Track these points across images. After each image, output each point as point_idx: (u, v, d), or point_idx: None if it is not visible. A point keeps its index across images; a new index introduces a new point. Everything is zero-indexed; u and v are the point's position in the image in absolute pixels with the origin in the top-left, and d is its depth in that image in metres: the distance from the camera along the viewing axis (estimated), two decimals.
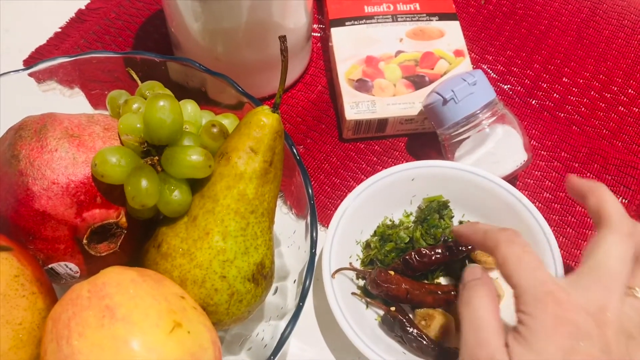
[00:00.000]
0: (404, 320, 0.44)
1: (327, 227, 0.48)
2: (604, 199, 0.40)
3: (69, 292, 0.35)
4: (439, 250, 0.47)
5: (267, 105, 0.40)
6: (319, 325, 0.48)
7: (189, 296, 0.37)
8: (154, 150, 0.40)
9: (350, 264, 0.49)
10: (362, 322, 0.44)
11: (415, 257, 0.46)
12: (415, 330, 0.44)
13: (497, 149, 0.50)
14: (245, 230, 0.39)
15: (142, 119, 0.39)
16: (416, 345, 0.44)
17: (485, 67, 0.62)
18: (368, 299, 0.47)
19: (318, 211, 0.54)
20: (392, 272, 0.46)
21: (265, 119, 0.39)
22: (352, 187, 0.53)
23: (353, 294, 0.46)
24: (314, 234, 0.40)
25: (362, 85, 0.56)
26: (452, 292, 0.47)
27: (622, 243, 0.37)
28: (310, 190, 0.41)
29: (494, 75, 0.61)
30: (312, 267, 0.39)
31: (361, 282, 0.48)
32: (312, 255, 0.39)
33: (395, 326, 0.45)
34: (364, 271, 0.47)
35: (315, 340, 0.48)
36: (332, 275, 0.45)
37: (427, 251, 0.46)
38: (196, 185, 0.40)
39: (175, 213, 0.39)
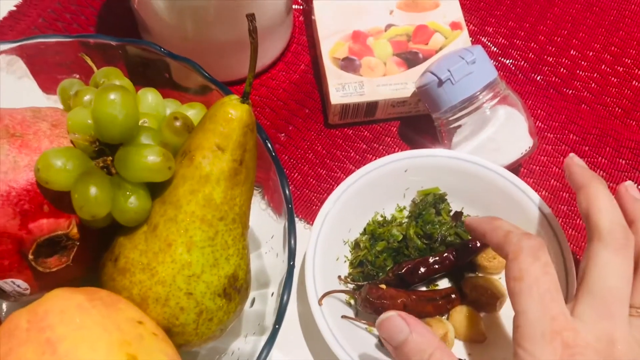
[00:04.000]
0: None
1: (312, 224, 0.45)
2: (594, 203, 0.37)
3: (6, 321, 0.31)
4: (437, 259, 0.43)
5: (236, 95, 0.36)
6: (303, 333, 0.45)
7: (148, 319, 0.33)
8: (108, 150, 0.36)
9: (340, 276, 0.45)
10: (357, 342, 0.41)
11: (410, 273, 0.42)
12: None
13: (499, 135, 0.47)
14: (214, 239, 0.35)
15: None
16: None
17: (484, 40, 0.58)
18: (363, 321, 0.43)
19: (302, 206, 0.50)
20: (384, 286, 0.42)
21: (233, 112, 0.35)
22: (339, 179, 0.50)
23: (344, 317, 0.42)
24: (292, 242, 0.36)
25: (348, 64, 0.52)
26: (453, 295, 0.43)
27: (616, 258, 0.34)
28: (287, 192, 0.37)
29: (495, 49, 0.58)
30: (290, 281, 0.35)
31: (352, 300, 0.45)
32: (290, 267, 0.35)
33: None
34: (352, 292, 0.43)
35: (299, 350, 0.44)
36: (319, 302, 0.41)
37: (423, 267, 0.43)
38: (156, 189, 0.36)
39: (132, 222, 0.36)
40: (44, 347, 0.29)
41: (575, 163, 0.40)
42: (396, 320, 0.34)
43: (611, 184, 0.50)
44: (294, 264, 0.35)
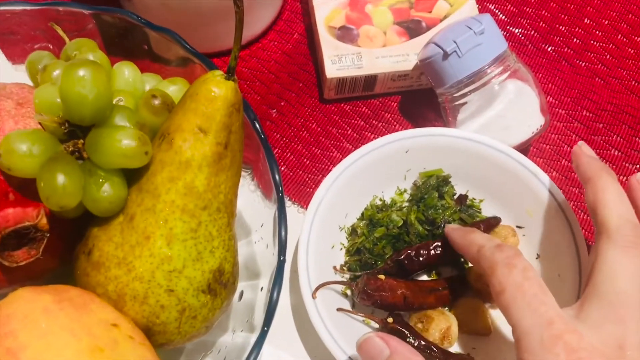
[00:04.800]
0: (406, 332, 0.38)
1: (306, 208, 0.42)
2: (601, 197, 0.34)
3: None
4: (439, 244, 0.40)
5: (220, 71, 0.33)
6: (297, 326, 0.42)
7: (125, 320, 0.31)
8: (79, 131, 0.33)
9: (335, 267, 0.42)
10: (354, 337, 0.38)
11: (410, 259, 0.39)
12: (421, 342, 0.38)
13: (508, 112, 0.43)
14: (197, 231, 0.33)
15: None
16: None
17: (491, 8, 0.54)
18: (360, 314, 0.40)
19: (295, 189, 0.47)
20: (382, 277, 0.39)
21: (217, 90, 0.32)
22: (335, 159, 0.47)
23: (339, 309, 0.40)
24: (283, 234, 0.33)
25: (345, 33, 0.49)
26: (456, 286, 0.41)
27: (626, 257, 0.32)
28: (277, 177, 0.34)
29: (503, 17, 0.54)
30: (280, 277, 0.32)
31: (349, 290, 0.42)
32: (281, 262, 0.32)
33: None
34: (349, 283, 0.41)
35: (292, 345, 0.42)
36: (313, 295, 0.38)
37: (424, 251, 0.40)
38: (132, 175, 0.33)
39: (106, 212, 0.33)
40: (4, 357, 0.26)
41: (583, 152, 0.38)
42: (375, 341, 0.32)
43: (627, 165, 0.48)
44: (284, 259, 0.32)
